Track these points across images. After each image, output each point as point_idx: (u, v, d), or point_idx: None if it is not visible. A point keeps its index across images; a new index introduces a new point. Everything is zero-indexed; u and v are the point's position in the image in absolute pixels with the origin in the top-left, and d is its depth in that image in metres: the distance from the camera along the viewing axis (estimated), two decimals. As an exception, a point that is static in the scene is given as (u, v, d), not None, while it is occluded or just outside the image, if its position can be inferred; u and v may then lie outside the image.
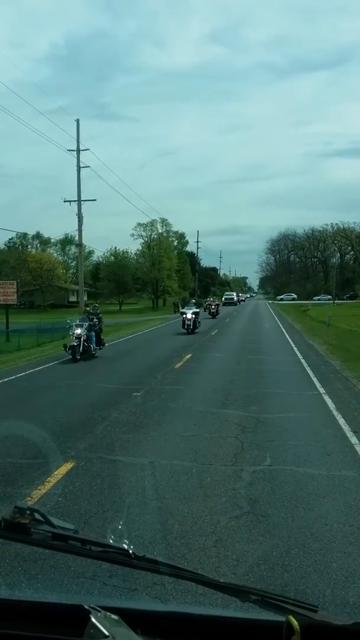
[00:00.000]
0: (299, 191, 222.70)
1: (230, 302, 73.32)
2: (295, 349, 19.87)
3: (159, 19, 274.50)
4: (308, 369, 14.55)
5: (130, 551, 1.17)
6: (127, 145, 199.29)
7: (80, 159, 33.95)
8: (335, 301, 72.92)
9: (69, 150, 34.96)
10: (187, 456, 6.64)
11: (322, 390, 11.29)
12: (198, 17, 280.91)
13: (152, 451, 6.84)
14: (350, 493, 5.45)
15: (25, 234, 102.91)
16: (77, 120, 34.44)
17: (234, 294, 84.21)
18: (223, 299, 73.01)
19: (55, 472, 5.96)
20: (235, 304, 72.63)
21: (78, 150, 34.60)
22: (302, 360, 16.31)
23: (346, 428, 8.07)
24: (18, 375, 14.08)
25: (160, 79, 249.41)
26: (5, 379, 13.45)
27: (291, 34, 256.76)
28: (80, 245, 36.18)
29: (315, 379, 12.75)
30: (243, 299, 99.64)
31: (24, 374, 14.47)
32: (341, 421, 8.53)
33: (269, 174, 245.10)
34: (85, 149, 35.45)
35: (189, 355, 17.27)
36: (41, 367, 15.77)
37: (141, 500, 5.19)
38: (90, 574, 3.74)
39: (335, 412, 9.17)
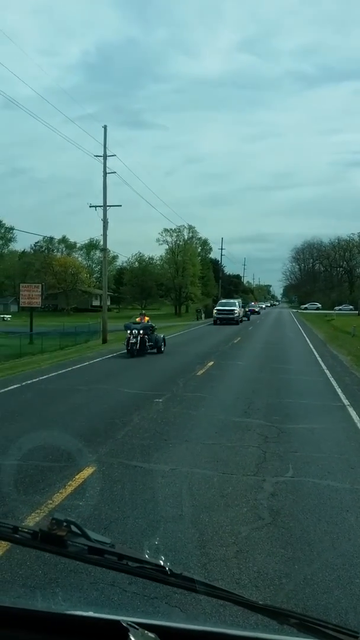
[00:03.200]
0: (326, 200, 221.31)
1: (226, 318, 44.02)
2: (319, 359, 19.65)
3: (189, 28, 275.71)
4: (332, 379, 14.36)
5: (167, 568, 1.16)
6: (154, 152, 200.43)
7: (107, 165, 34.21)
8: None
9: (96, 156, 35.31)
10: (208, 464, 6.59)
11: (346, 402, 11.12)
12: (228, 26, 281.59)
13: (173, 458, 6.81)
14: (374, 508, 5.34)
15: (51, 238, 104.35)
16: (105, 127, 34.72)
17: (236, 303, 48.53)
18: (215, 311, 46.22)
19: (77, 476, 5.97)
20: (238, 321, 44.17)
21: (105, 157, 34.87)
22: (326, 371, 16.11)
23: (371, 441, 7.92)
24: (41, 378, 14.21)
25: (189, 87, 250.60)
26: (28, 381, 13.58)
27: (321, 43, 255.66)
28: (104, 250, 36.36)
29: (339, 390, 12.57)
30: (258, 309, 77.19)
31: (46, 376, 14.60)
32: (366, 434, 8.38)
33: (296, 182, 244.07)
34: (112, 155, 35.50)
35: (211, 363, 17.21)
36: (63, 371, 15.89)
37: (162, 507, 5.16)
38: (110, 581, 3.71)
39: (359, 425, 9.02)
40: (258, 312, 73.15)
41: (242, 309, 50.69)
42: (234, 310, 45.19)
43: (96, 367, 17.01)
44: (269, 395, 11.61)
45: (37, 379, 13.97)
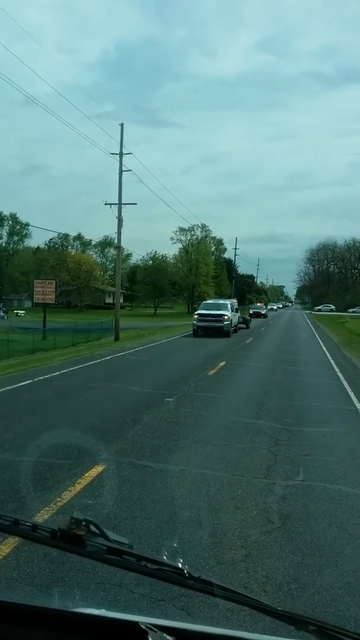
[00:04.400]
0: (343, 201, 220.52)
1: (210, 327, 30.41)
2: (332, 361, 19.49)
3: (208, 27, 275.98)
4: (345, 382, 14.23)
5: (185, 571, 1.15)
6: (171, 150, 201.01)
7: (124, 163, 34.21)
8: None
9: (112, 154, 35.34)
10: (218, 466, 6.55)
11: (359, 405, 11.00)
12: (248, 26, 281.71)
13: (183, 459, 6.78)
14: (386, 515, 5.26)
15: (66, 235, 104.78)
16: (121, 125, 34.74)
17: (227, 305, 33.31)
18: (195, 317, 32.03)
19: (86, 474, 5.96)
20: (228, 332, 30.37)
21: (121, 154, 34.88)
22: (339, 374, 15.97)
23: (383, 446, 7.82)
24: (53, 374, 14.27)
25: (207, 87, 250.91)
26: (40, 377, 13.64)
27: (341, 44, 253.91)
28: (119, 247, 36.41)
29: (352, 394, 12.44)
30: (264, 311, 65.20)
31: (58, 373, 14.65)
32: (378, 439, 8.28)
33: (312, 183, 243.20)
34: (128, 153, 35.46)
35: (223, 363, 17.15)
36: (75, 367, 15.94)
37: (170, 508, 5.13)
38: (117, 581, 3.70)
39: (372, 429, 8.92)
40: (265, 316, 61.85)
41: (237, 314, 35.73)
42: (223, 315, 30.28)
43: (108, 365, 17.04)
44: (281, 397, 11.53)
45: (49, 376, 14.02)
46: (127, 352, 21.43)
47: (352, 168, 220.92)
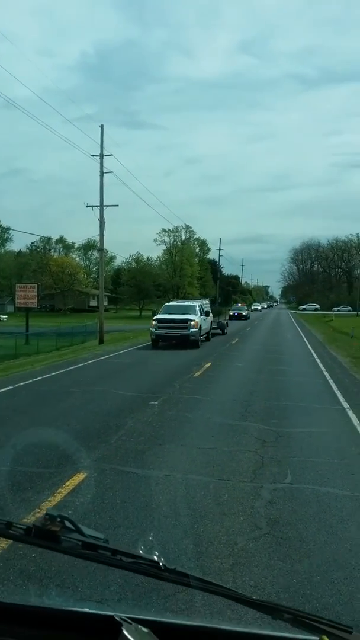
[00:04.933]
0: (325, 202, 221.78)
1: (173, 337, 23.90)
2: (317, 360, 19.45)
3: (188, 29, 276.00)
4: (331, 381, 14.15)
5: (161, 563, 1.16)
6: (153, 153, 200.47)
7: (105, 165, 33.97)
8: (359, 313, 71.89)
9: (93, 155, 35.09)
10: (204, 470, 6.38)
11: (345, 404, 10.91)
12: (227, 28, 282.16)
13: (168, 464, 6.60)
14: (376, 517, 5.13)
15: (48, 238, 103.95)
16: (101, 126, 34.41)
17: (196, 307, 26.03)
18: (153, 322, 24.75)
19: (67, 483, 5.75)
20: (197, 341, 23.86)
21: (101, 156, 34.63)
22: (325, 373, 15.90)
23: (371, 446, 7.71)
24: (35, 380, 13.99)
25: (188, 88, 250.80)
26: (22, 383, 13.35)
27: (321, 45, 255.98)
28: (101, 250, 36.14)
29: (338, 393, 12.36)
30: (246, 313, 58.84)
31: (40, 378, 14.37)
32: (366, 438, 8.17)
33: (295, 183, 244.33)
34: (109, 155, 35.17)
35: (209, 364, 17.00)
36: (58, 372, 15.67)
37: (155, 516, 4.94)
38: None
39: (359, 429, 8.81)
40: (246, 317, 56.19)
41: (209, 317, 28.51)
42: (189, 321, 23.73)
43: (91, 369, 16.78)
44: (267, 398, 11.39)
45: (30, 381, 13.73)
46: (111, 355, 21.19)
47: (333, 168, 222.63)
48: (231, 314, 50.59)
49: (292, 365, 17.82)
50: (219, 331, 32.04)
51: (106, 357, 20.42)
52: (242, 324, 43.92)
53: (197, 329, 23.74)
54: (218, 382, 13.68)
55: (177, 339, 23.55)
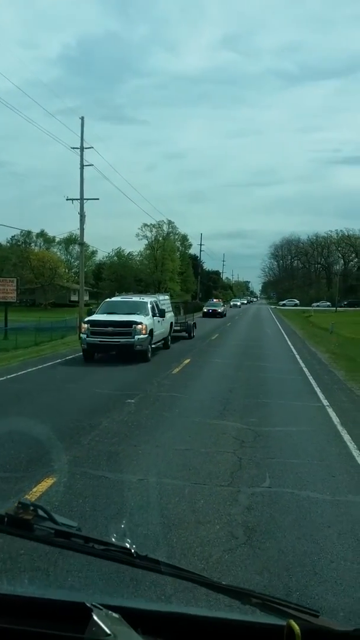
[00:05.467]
0: (306, 197, 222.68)
1: (112, 342, 16.72)
2: (297, 356, 19.34)
3: (171, 24, 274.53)
4: (311, 378, 14.01)
5: (133, 550, 1.19)
6: (136, 147, 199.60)
7: (88, 160, 33.54)
8: (338, 308, 72.43)
9: (73, 148, 34.53)
10: (179, 473, 6.11)
11: (325, 402, 10.75)
12: (210, 23, 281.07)
13: (142, 467, 6.32)
14: (358, 523, 4.92)
15: (29, 232, 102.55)
16: (82, 118, 33.89)
17: (147, 302, 18.73)
18: (85, 325, 17.42)
19: (34, 489, 5.43)
20: (144, 352, 16.72)
21: (82, 148, 34.11)
22: (305, 369, 15.77)
23: (352, 446, 7.53)
24: (9, 376, 13.58)
25: (171, 83, 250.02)
26: (-4, 380, 12.94)
27: (303, 42, 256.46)
28: (81, 244, 35.68)
29: (318, 390, 12.21)
30: (221, 309, 51.02)
31: (16, 374, 13.96)
32: (346, 437, 7.99)
33: (276, 179, 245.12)
34: (89, 147, 34.64)
35: (188, 360, 16.74)
36: (34, 368, 15.25)
37: (126, 526, 4.65)
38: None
39: (339, 427, 8.63)
40: (222, 315, 49.21)
41: (166, 318, 20.95)
42: (134, 324, 17.08)
43: (69, 365, 16.38)
44: (246, 395, 11.18)
45: (4, 378, 13.32)
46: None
47: (314, 164, 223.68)
48: (205, 310, 47.98)
49: (271, 361, 17.66)
50: (184, 334, 24.97)
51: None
52: (217, 323, 39.32)
53: (145, 336, 16.63)
54: (196, 378, 13.43)
55: (117, 349, 16.80)
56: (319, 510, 5.18)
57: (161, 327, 19.37)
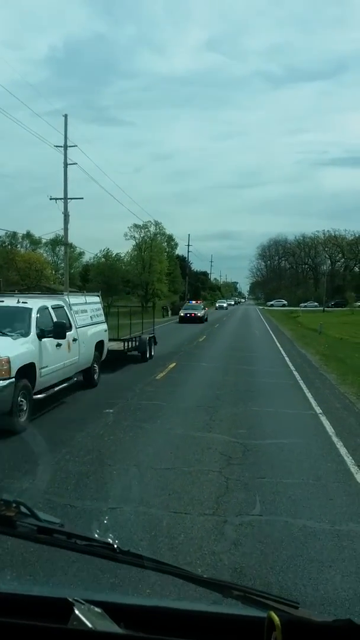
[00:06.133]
0: (293, 198, 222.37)
1: None
2: (287, 358, 18.68)
3: (157, 25, 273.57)
4: (301, 382, 13.34)
5: (115, 545, 1.20)
6: (123, 149, 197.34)
7: (74, 159, 32.80)
8: (325, 308, 72.18)
9: (57, 146, 33.74)
10: (158, 500, 5.37)
11: (318, 409, 10.07)
12: (196, 25, 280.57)
13: (115, 491, 5.56)
14: (363, 560, 4.22)
15: (14, 233, 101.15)
16: (65, 116, 33.21)
17: (25, 307, 9.12)
18: None
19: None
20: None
21: (65, 147, 33.37)
22: (295, 372, 15.11)
23: (349, 460, 6.85)
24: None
25: (157, 85, 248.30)
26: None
27: (288, 43, 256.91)
28: (66, 244, 34.99)
29: (309, 395, 11.54)
30: (202, 313, 41.54)
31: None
32: (342, 451, 7.30)
33: (263, 180, 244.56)
34: (73, 146, 33.89)
35: (173, 364, 15.98)
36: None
37: (88, 572, 3.87)
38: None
39: (334, 438, 7.95)
40: (202, 319, 40.41)
41: (100, 329, 13.01)
42: None
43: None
44: (234, 403, 10.45)
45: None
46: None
47: (300, 166, 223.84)
48: (181, 315, 40.36)
49: (260, 364, 16.95)
50: (136, 353, 16.80)
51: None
52: (194, 331, 30.71)
53: (4, 382, 7.80)
54: (181, 384, 12.66)
55: None
56: (317, 545, 4.47)
57: (65, 356, 10.19)
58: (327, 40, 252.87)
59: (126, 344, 16.07)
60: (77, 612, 1.06)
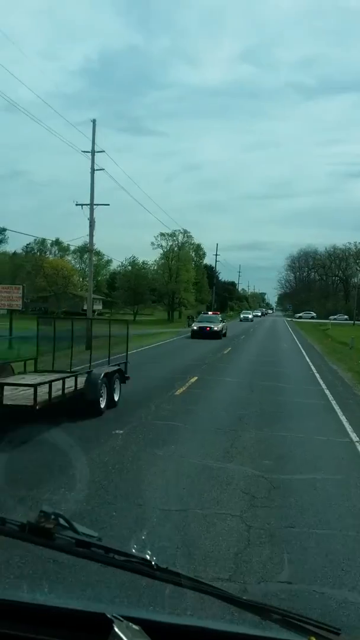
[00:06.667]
0: (323, 210, 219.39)
1: None
2: (317, 375, 17.48)
3: (191, 37, 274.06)
4: (334, 403, 12.18)
5: (153, 562, 1.19)
6: (154, 158, 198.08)
7: (102, 167, 32.39)
8: (355, 322, 70.19)
9: (84, 152, 33.31)
10: (162, 555, 4.35)
11: (354, 436, 8.93)
12: (230, 36, 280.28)
13: (110, 542, 4.58)
14: None
15: (43, 240, 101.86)
16: (94, 121, 32.67)
17: None
18: None
19: None
20: None
21: (93, 152, 32.87)
22: (326, 391, 13.94)
23: None
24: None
25: (190, 96, 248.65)
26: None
27: (321, 55, 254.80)
28: (90, 250, 34.27)
29: (343, 419, 10.39)
30: (219, 327, 33.80)
31: None
32: (387, 491, 6.19)
33: (293, 192, 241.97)
34: (101, 151, 33.42)
35: (195, 379, 14.96)
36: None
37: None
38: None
39: (376, 475, 6.83)
40: (220, 334, 33.40)
41: None
42: None
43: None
44: (259, 426, 9.39)
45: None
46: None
47: (331, 177, 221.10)
48: (194, 329, 33.82)
49: (288, 381, 15.79)
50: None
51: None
52: (207, 350, 25.00)
53: None
54: (202, 402, 11.62)
55: None
56: (365, 634, 3.41)
57: None
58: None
59: (55, 386, 8.60)
60: (116, 629, 1.08)
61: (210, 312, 43.40)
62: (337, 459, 7.60)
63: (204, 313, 42.37)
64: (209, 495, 5.82)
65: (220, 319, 36.76)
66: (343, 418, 10.49)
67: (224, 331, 35.06)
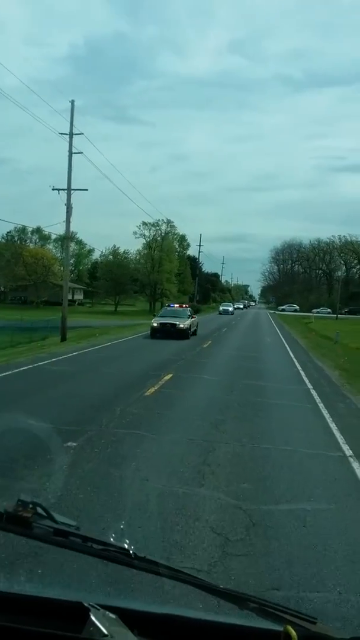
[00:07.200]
0: (308, 203, 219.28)
1: None
2: (302, 372, 16.33)
3: (179, 26, 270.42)
4: (322, 406, 11.00)
5: (131, 551, 1.18)
6: (140, 148, 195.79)
7: (82, 152, 30.78)
8: (338, 315, 69.62)
9: (61, 133, 31.64)
10: None
11: (347, 449, 7.73)
12: (219, 26, 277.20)
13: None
14: None
15: (24, 227, 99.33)
16: (72, 102, 31.01)
17: None
18: None
19: None
20: None
21: (71, 135, 31.23)
22: (313, 392, 12.76)
23: None
24: None
25: (177, 86, 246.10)
26: None
27: (309, 48, 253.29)
28: (67, 237, 32.71)
29: (333, 426, 9.21)
30: (185, 325, 26.16)
31: None
32: (393, 528, 4.98)
33: (278, 184, 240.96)
34: (79, 133, 31.79)
35: (169, 376, 13.64)
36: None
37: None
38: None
39: (377, 503, 5.63)
40: (187, 332, 26.12)
41: None
42: None
43: (15, 380, 13.29)
44: (237, 436, 8.13)
45: None
46: (64, 356, 17.88)
47: (317, 171, 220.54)
48: (155, 325, 26.77)
49: (271, 379, 14.60)
50: None
51: (54, 359, 17.01)
52: (185, 343, 23.70)
53: None
54: (174, 405, 10.33)
55: None
56: None
57: None
58: (349, 46, 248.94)
59: None
60: (93, 617, 1.07)
61: (176, 305, 32.87)
62: (330, 481, 6.37)
63: (168, 306, 33.10)
64: (170, 537, 4.53)
65: (189, 313, 29.01)
66: (333, 425, 9.30)
67: (193, 329, 28.25)
